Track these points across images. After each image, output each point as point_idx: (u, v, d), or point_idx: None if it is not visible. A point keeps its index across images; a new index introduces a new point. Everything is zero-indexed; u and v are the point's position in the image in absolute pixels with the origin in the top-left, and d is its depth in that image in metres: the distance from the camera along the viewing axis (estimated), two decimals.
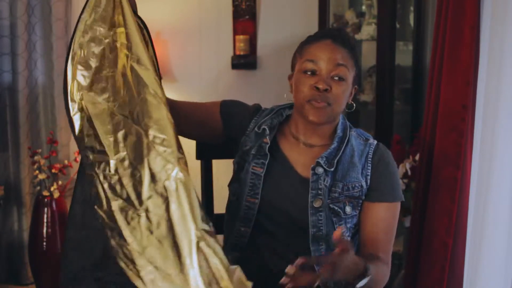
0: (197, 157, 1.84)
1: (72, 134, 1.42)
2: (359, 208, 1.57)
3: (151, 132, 1.33)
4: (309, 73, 1.52)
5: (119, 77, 1.37)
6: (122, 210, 1.33)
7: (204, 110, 1.67)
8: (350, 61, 1.54)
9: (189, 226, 1.26)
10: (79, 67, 1.40)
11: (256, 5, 3.02)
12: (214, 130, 1.66)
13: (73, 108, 1.39)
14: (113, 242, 1.34)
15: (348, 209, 1.53)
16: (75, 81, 1.39)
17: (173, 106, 1.56)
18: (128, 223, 1.32)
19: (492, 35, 1.82)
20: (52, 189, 2.81)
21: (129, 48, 1.36)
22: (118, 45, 1.38)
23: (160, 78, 1.44)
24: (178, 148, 1.31)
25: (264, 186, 1.55)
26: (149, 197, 1.31)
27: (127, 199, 1.33)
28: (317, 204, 1.51)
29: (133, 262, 1.31)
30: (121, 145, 1.35)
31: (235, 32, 3.05)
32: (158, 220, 1.30)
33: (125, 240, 1.32)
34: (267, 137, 1.57)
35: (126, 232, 1.32)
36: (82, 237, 1.44)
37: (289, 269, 1.21)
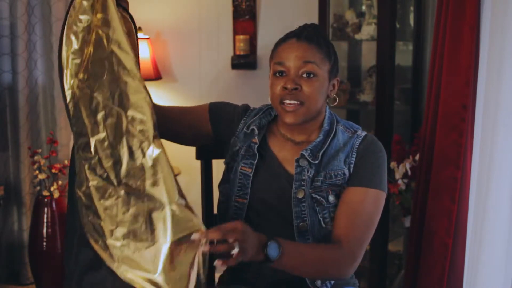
0: (197, 157, 1.84)
1: (69, 122, 1.47)
2: None
3: (130, 113, 1.37)
4: (278, 74, 1.56)
5: (100, 62, 1.41)
6: (100, 188, 1.38)
7: (192, 114, 1.68)
8: (318, 55, 1.54)
9: (163, 201, 1.30)
10: (72, 55, 1.45)
11: (256, 5, 3.02)
12: (203, 133, 1.68)
13: (68, 95, 1.45)
14: (85, 220, 1.40)
15: (331, 198, 1.53)
16: (69, 69, 1.45)
17: (162, 112, 1.59)
18: (106, 199, 1.37)
19: (492, 35, 1.82)
20: (52, 189, 2.82)
21: (108, 34, 1.40)
22: (99, 30, 1.42)
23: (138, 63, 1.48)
24: (154, 128, 1.35)
25: (253, 186, 1.57)
26: (127, 175, 1.35)
27: (107, 179, 1.38)
28: (300, 195, 1.52)
29: (103, 237, 1.36)
30: (101, 126, 1.40)
31: (235, 32, 3.05)
32: (135, 197, 1.34)
33: (98, 217, 1.37)
34: (256, 137, 1.59)
35: (100, 209, 1.37)
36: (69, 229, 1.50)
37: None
